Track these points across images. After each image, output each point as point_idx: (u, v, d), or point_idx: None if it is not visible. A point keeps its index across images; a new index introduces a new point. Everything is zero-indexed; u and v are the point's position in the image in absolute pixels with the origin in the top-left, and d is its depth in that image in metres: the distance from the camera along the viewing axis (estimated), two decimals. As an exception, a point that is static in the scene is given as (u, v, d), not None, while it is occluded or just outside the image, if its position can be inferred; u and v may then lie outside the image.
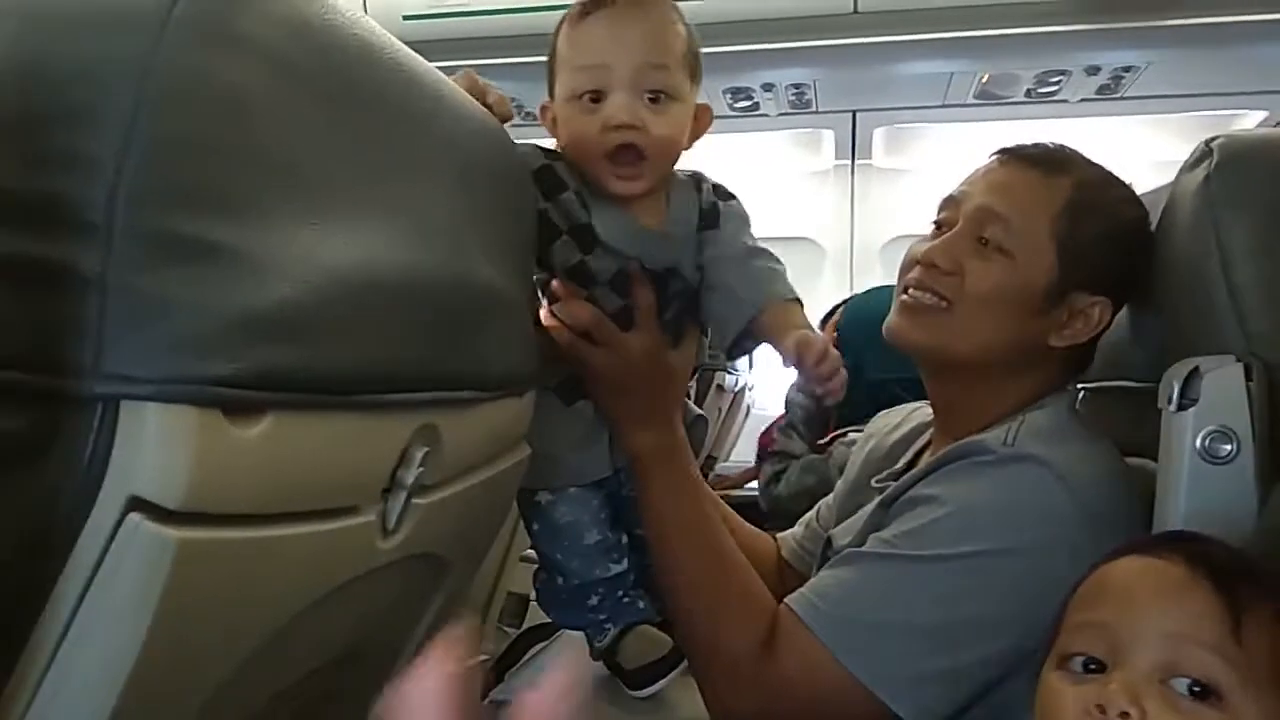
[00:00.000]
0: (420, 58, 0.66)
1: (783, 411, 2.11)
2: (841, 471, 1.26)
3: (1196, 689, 0.56)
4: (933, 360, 1.00)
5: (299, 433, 0.53)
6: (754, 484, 2.33)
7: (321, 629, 0.66)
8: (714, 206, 0.93)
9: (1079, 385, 1.10)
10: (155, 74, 0.46)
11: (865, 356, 1.80)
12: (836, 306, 2.20)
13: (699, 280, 0.93)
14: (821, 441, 1.96)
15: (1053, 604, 0.68)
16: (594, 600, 0.93)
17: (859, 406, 1.76)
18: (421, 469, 0.67)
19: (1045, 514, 0.82)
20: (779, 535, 1.25)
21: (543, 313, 0.90)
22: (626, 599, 0.94)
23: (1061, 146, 1.00)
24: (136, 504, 0.46)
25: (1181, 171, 0.90)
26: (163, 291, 0.46)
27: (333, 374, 0.55)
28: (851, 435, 1.82)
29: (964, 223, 0.96)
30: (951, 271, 0.94)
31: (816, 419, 2.05)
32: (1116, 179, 0.99)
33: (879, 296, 1.85)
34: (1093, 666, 0.60)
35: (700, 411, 1.06)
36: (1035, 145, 0.99)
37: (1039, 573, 0.79)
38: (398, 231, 0.62)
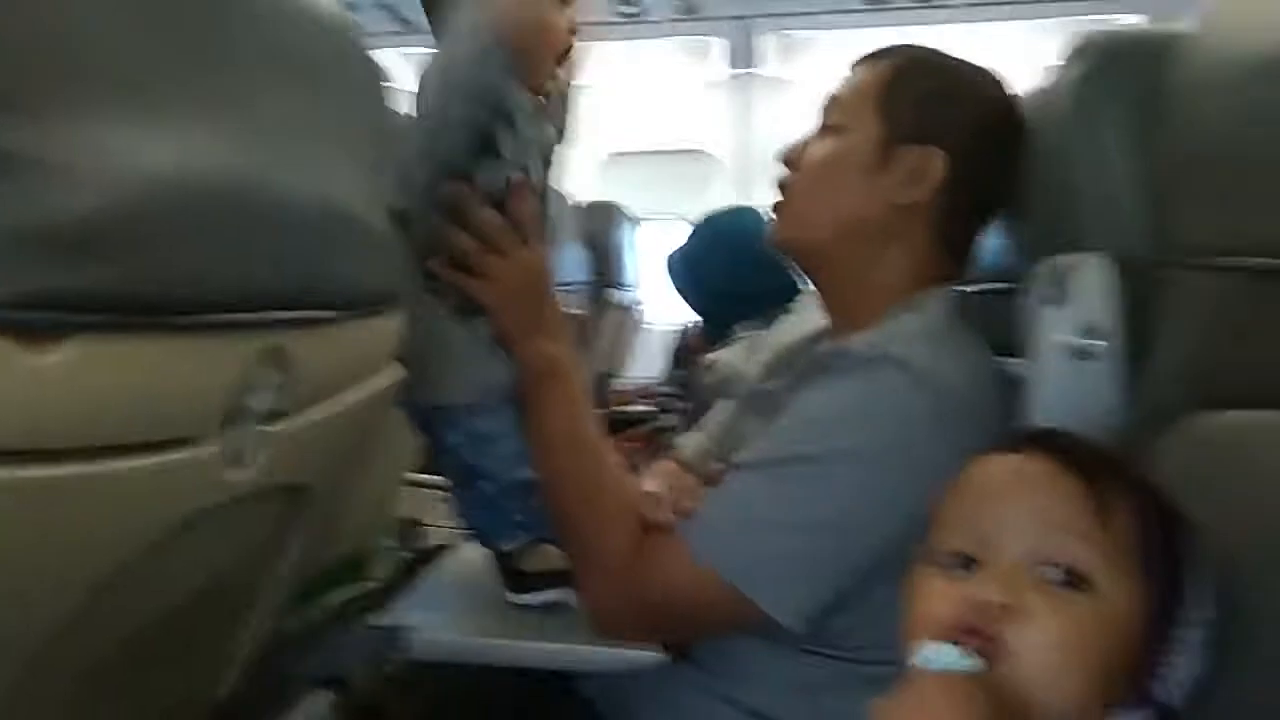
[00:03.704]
0: None
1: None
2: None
3: (1067, 577, 0.56)
4: (795, 252, 1.02)
5: (111, 359, 0.48)
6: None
7: (167, 571, 0.62)
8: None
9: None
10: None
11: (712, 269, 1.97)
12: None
13: None
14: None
15: (908, 507, 0.67)
16: (513, 505, 0.96)
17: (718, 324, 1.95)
18: (272, 394, 0.63)
19: (899, 416, 0.82)
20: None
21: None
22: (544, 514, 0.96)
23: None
24: (-88, 442, 0.41)
25: (1055, 71, 0.89)
26: (-74, 202, 0.40)
27: (148, 293, 0.50)
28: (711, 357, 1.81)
29: (818, 119, 1.01)
30: (796, 163, 0.99)
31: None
32: (955, 57, 1.00)
33: (733, 214, 2.08)
34: (963, 565, 0.60)
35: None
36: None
37: (893, 475, 0.80)
38: (225, 133, 0.56)
